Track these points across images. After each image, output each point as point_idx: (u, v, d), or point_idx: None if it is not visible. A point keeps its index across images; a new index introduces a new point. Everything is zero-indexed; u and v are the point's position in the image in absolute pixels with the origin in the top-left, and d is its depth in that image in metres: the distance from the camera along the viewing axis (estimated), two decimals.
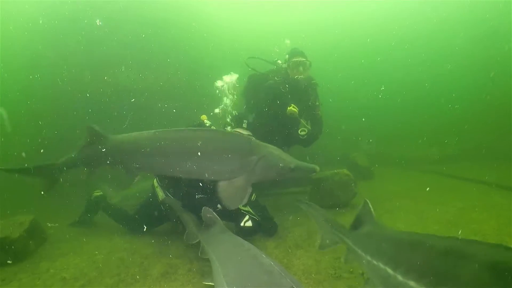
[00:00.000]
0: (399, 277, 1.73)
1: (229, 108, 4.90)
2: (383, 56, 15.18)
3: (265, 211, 4.43)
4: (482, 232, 3.82)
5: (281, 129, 5.54)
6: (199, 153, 3.38)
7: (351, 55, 15.03)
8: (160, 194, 4.26)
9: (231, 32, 11.81)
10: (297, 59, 5.44)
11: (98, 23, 8.23)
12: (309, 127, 5.51)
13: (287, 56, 5.63)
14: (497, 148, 7.61)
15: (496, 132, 9.35)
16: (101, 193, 5.01)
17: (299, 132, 5.40)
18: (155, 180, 4.39)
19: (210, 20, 11.22)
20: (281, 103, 5.31)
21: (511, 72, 10.26)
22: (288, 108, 5.18)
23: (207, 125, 4.30)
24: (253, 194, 4.41)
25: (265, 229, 4.30)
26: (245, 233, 3.95)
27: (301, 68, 5.43)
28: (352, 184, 5.26)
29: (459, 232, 3.87)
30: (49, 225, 4.69)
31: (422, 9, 14.72)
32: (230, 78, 4.92)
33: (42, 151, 5.67)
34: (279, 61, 5.94)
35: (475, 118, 10.43)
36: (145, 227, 4.49)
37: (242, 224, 3.92)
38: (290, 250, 3.74)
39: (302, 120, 5.42)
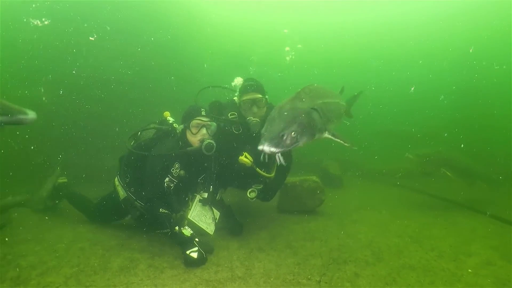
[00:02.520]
0: None
1: None
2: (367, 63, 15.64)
3: (230, 210, 4.48)
4: (439, 249, 3.98)
5: (236, 178, 4.61)
6: None
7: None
8: (121, 193, 4.17)
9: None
10: (249, 97, 4.32)
11: (91, 38, 8.09)
12: (261, 186, 4.45)
13: (238, 90, 4.58)
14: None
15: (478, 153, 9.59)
16: (65, 180, 4.94)
17: (248, 194, 4.38)
18: (116, 179, 4.31)
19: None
20: (234, 149, 4.31)
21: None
22: (240, 157, 4.15)
23: (170, 122, 4.20)
24: (218, 194, 4.43)
25: (229, 228, 4.38)
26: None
27: (255, 108, 4.31)
28: (319, 192, 5.35)
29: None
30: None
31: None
32: None
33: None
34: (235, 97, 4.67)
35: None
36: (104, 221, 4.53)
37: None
38: (252, 253, 3.80)
39: (258, 170, 4.29)
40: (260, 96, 4.34)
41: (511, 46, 12.31)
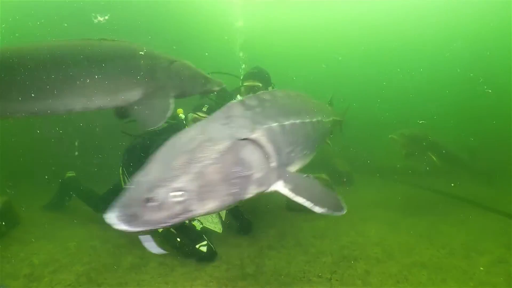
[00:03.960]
0: None
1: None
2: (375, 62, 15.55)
3: (237, 209, 4.48)
4: (450, 246, 3.96)
5: None
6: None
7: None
8: (124, 181, 4.17)
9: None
10: (247, 84, 4.39)
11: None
12: None
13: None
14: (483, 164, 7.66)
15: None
16: (73, 174, 4.97)
17: None
18: (120, 168, 4.29)
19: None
20: None
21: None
22: None
23: (182, 118, 4.20)
24: None
25: (238, 227, 4.36)
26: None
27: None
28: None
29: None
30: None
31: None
32: None
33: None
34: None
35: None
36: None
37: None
38: (262, 250, 3.80)
39: None
40: (259, 84, 4.33)
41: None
